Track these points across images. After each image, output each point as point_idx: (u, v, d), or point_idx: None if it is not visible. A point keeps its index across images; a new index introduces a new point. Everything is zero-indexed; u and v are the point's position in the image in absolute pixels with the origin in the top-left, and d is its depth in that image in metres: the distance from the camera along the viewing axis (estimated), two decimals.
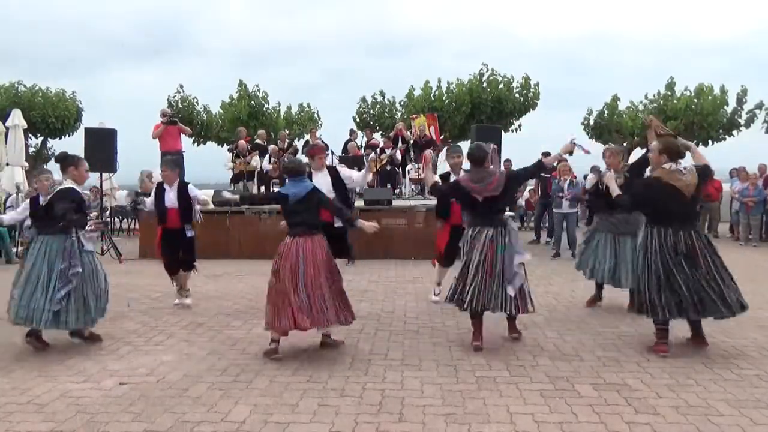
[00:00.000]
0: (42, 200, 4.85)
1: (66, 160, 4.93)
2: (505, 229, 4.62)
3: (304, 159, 6.41)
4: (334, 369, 4.16)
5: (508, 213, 11.73)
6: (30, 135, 19.04)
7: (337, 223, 5.78)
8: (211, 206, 8.69)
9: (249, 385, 3.86)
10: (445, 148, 5.98)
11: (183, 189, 6.18)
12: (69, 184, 4.82)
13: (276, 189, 13.18)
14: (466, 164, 5.28)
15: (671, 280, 4.34)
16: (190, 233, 6.21)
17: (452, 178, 5.80)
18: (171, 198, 6.14)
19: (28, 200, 5.23)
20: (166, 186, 6.21)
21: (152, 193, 6.39)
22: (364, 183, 6.71)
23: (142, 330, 5.32)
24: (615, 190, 4.81)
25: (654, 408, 3.42)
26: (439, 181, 5.45)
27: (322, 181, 5.62)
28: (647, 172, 5.15)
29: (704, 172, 4.56)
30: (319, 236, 4.56)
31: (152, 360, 4.42)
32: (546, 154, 11.79)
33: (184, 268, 6.31)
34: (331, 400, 3.59)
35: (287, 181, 4.84)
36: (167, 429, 3.19)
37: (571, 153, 5.09)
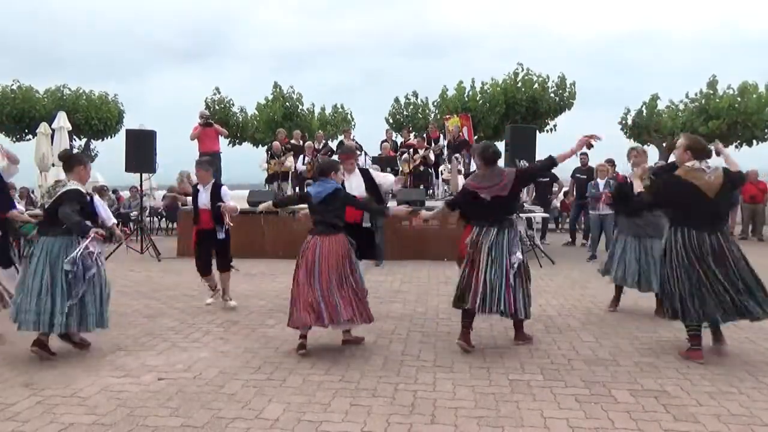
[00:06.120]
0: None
1: (72, 159, 4.80)
2: (510, 228, 4.58)
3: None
4: (366, 369, 4.18)
5: (541, 214, 11.57)
6: (74, 136, 19.71)
7: (366, 224, 5.80)
8: (247, 206, 8.80)
9: (282, 383, 3.91)
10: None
11: (216, 190, 6.16)
12: (74, 185, 4.63)
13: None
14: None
15: (699, 283, 4.20)
16: (221, 235, 6.15)
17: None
18: (204, 199, 6.17)
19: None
20: (200, 187, 6.25)
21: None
22: (390, 189, 6.64)
23: (180, 327, 5.44)
24: (637, 187, 4.73)
25: (694, 416, 3.33)
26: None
27: (354, 184, 5.61)
28: None
29: (736, 178, 4.43)
30: (340, 236, 4.64)
31: (189, 357, 4.51)
32: (584, 155, 11.64)
33: (221, 269, 6.32)
34: (363, 400, 3.61)
35: (315, 180, 4.95)
36: (203, 424, 3.26)
37: (590, 147, 4.90)
